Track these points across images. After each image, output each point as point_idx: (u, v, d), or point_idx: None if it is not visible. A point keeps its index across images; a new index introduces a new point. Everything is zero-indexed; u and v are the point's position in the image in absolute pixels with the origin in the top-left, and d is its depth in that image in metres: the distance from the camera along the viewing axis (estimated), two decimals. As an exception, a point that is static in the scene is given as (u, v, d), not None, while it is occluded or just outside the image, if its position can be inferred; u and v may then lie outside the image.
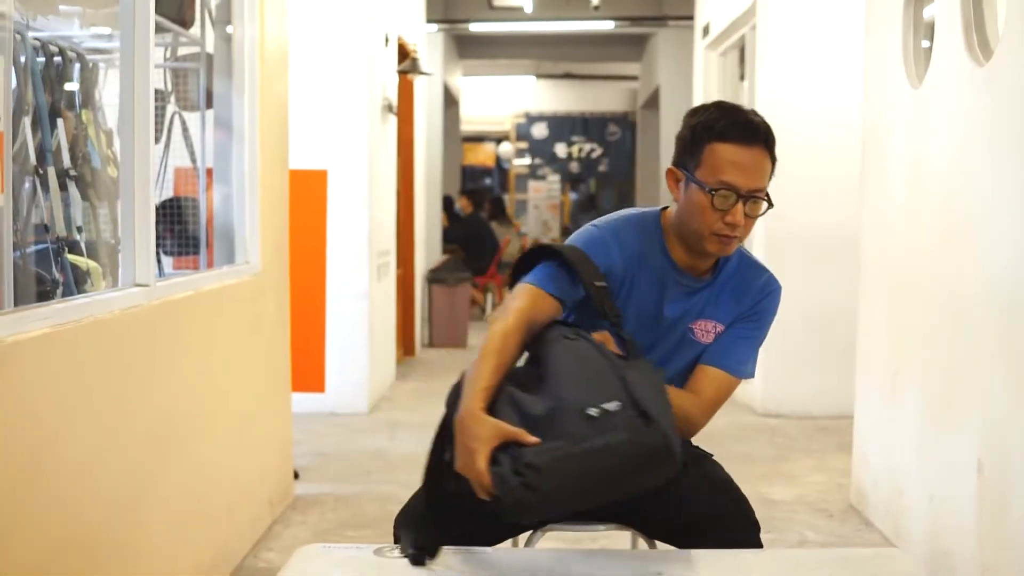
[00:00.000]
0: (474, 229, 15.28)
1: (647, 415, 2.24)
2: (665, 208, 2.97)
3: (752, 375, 2.98)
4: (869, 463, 5.35)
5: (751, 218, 2.78)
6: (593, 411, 2.24)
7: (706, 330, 2.94)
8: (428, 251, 13.24)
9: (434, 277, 12.26)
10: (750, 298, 2.96)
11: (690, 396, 2.86)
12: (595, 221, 2.94)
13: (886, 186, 5.27)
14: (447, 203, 16.20)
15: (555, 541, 3.44)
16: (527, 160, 22.63)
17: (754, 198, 2.76)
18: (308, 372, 7.95)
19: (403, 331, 10.93)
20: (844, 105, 7.94)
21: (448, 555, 2.54)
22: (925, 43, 5.00)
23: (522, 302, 2.70)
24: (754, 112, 2.82)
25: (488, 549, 2.63)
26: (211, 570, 4.44)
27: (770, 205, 2.78)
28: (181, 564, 4.17)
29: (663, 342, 2.92)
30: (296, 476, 6.18)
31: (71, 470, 3.21)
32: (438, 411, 2.77)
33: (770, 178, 2.80)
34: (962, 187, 4.27)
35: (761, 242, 8.35)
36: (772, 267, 3.06)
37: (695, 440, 3.01)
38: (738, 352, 2.94)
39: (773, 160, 2.79)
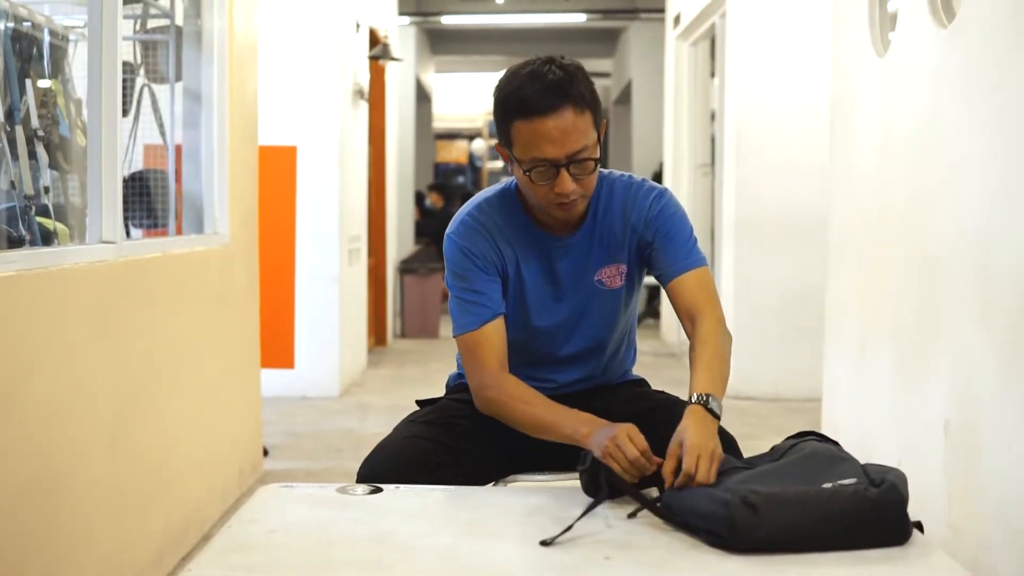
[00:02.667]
0: (445, 223, 15.16)
1: (882, 481, 2.20)
2: None
3: (706, 261, 2.87)
4: (839, 432, 5.35)
5: (582, 177, 2.67)
6: (828, 485, 2.20)
7: (612, 275, 2.88)
8: (400, 244, 13.23)
9: (406, 267, 12.26)
10: (641, 208, 2.85)
11: (706, 310, 2.76)
12: (450, 230, 2.85)
13: (854, 155, 5.30)
14: (417, 198, 16.18)
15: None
16: (500, 162, 22.61)
17: (575, 161, 2.64)
18: (277, 349, 7.96)
19: (375, 321, 10.94)
20: (814, 89, 7.97)
21: (415, 491, 2.56)
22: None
23: (484, 359, 2.78)
24: (553, 67, 2.64)
25: (453, 487, 2.65)
26: (181, 533, 4.44)
27: (598, 161, 2.68)
28: (152, 518, 4.17)
29: (572, 303, 2.89)
30: (265, 453, 6.17)
31: (40, 410, 3.21)
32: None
33: (596, 123, 2.67)
34: (931, 149, 4.29)
35: (731, 225, 8.39)
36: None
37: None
38: (686, 248, 2.84)
39: (590, 107, 2.65)
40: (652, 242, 2.85)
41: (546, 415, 2.68)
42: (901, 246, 4.59)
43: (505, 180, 2.93)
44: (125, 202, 4.13)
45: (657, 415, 2.85)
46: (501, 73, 2.76)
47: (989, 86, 3.79)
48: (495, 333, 2.79)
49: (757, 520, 2.11)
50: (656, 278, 2.89)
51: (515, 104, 2.63)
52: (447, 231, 2.86)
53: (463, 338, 2.81)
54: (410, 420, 2.99)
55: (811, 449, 2.39)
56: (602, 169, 2.80)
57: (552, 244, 2.85)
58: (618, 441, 2.42)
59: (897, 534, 2.20)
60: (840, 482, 2.21)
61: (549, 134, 2.61)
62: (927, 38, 4.32)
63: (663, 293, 3.13)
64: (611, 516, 2.33)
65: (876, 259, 4.96)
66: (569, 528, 2.20)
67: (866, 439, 4.92)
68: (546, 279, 2.87)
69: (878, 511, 2.17)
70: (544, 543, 2.15)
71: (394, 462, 2.78)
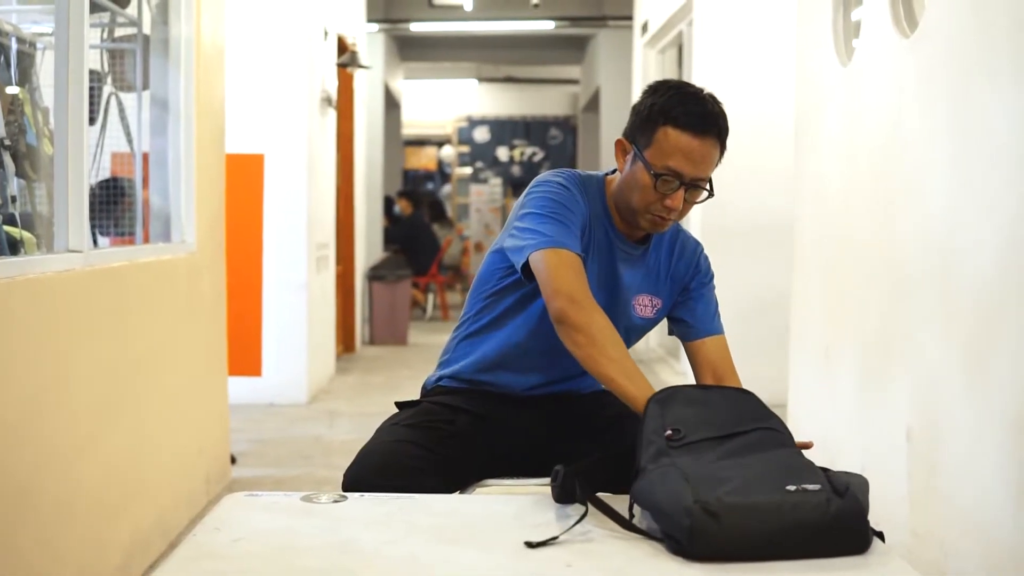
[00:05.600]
0: (414, 230, 15.25)
1: (845, 491, 2.21)
2: (608, 174, 2.99)
3: None
4: (803, 438, 5.36)
5: (689, 203, 2.82)
6: (791, 487, 2.20)
7: (644, 304, 2.99)
8: (368, 251, 13.23)
9: (374, 274, 12.25)
10: (689, 260, 3.03)
11: (734, 373, 3.00)
12: (558, 175, 2.89)
13: (819, 163, 5.33)
14: (387, 204, 16.18)
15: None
16: (468, 170, 22.64)
17: (696, 186, 2.78)
18: (244, 356, 7.94)
19: (343, 328, 10.94)
20: (779, 97, 8.01)
21: (384, 499, 2.57)
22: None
23: (584, 281, 2.72)
24: (713, 100, 2.82)
25: (418, 495, 2.65)
26: (148, 540, 4.44)
27: (710, 194, 2.82)
28: (120, 525, 4.17)
29: (610, 304, 2.92)
30: (233, 461, 6.17)
31: (8, 418, 3.22)
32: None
33: (717, 164, 2.82)
34: (895, 157, 4.32)
35: (698, 231, 8.40)
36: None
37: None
38: (716, 314, 3.07)
39: (723, 149, 2.81)
40: (691, 291, 3.03)
41: (618, 369, 2.64)
42: (866, 253, 4.62)
43: (585, 171, 3.00)
44: (92, 211, 4.13)
45: (627, 421, 2.88)
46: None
47: (951, 94, 3.83)
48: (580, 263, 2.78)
49: (718, 528, 2.13)
50: (678, 323, 3.06)
51: (677, 113, 2.75)
52: (546, 176, 2.89)
53: (561, 252, 2.73)
54: (392, 423, 2.99)
55: (766, 442, 2.39)
56: None
57: (621, 245, 2.94)
58: None
59: (858, 543, 2.23)
60: (804, 486, 2.22)
61: (692, 153, 2.74)
62: (890, 47, 4.36)
63: None
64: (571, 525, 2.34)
65: (841, 266, 4.99)
66: (555, 539, 2.21)
67: (830, 445, 4.94)
68: (603, 270, 2.93)
69: (840, 521, 2.19)
70: (530, 545, 2.19)
71: (380, 466, 2.79)
